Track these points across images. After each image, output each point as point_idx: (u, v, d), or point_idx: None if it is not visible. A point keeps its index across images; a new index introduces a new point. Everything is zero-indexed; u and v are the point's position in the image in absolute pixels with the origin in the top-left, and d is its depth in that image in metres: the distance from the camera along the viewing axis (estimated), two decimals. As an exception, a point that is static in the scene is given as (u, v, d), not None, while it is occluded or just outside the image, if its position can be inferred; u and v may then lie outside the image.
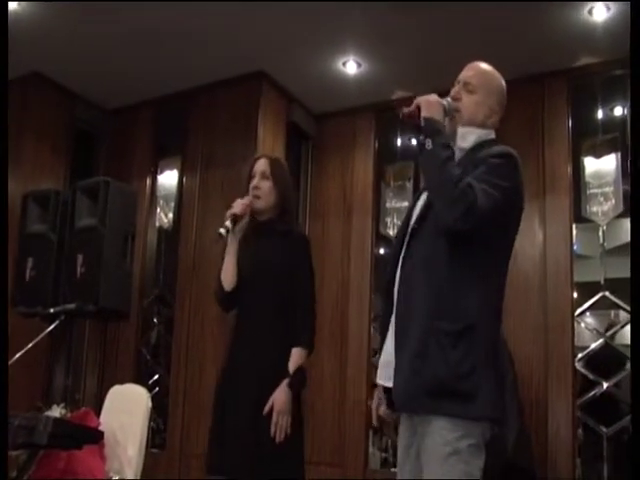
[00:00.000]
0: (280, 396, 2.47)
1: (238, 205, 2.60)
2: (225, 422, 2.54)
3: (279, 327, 2.59)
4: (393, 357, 1.99)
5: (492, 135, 2.15)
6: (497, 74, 2.21)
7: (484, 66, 2.21)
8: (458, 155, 2.07)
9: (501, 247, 2.05)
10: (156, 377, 5.22)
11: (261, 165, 2.73)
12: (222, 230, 2.53)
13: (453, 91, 2.15)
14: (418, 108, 2.02)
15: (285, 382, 2.48)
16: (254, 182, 2.69)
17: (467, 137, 2.10)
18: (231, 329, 2.73)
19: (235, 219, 2.57)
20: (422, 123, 1.99)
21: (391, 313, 2.07)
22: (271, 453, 2.42)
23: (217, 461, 2.53)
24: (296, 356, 2.54)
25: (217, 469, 2.54)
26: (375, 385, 2.21)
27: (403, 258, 2.06)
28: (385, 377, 2.05)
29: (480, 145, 2.09)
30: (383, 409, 2.18)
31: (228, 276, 2.61)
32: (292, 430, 2.47)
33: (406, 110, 2.03)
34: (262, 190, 2.67)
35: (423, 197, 2.14)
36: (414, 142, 2.05)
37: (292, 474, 2.49)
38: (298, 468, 2.53)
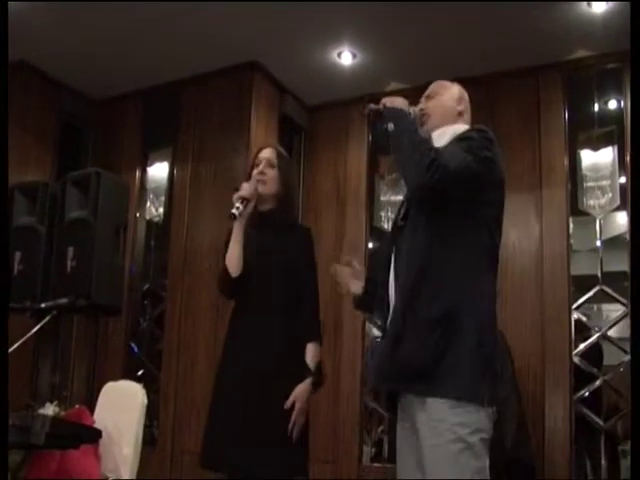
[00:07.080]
0: (302, 394, 2.43)
1: (246, 188, 2.53)
2: (226, 418, 2.46)
3: (283, 322, 2.53)
4: None
5: (467, 128, 2.16)
6: (454, 83, 2.27)
7: (439, 81, 2.27)
8: None
9: (484, 223, 2.00)
10: (146, 372, 5.12)
11: (267, 153, 2.70)
12: (234, 211, 2.48)
13: (419, 106, 2.19)
14: (384, 107, 2.07)
15: (309, 380, 2.43)
16: (259, 168, 2.65)
17: (442, 137, 2.10)
18: (229, 322, 2.66)
19: (244, 201, 2.50)
20: (385, 113, 2.05)
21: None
22: (279, 450, 2.37)
23: (216, 456, 2.46)
24: (313, 352, 2.52)
25: (215, 465, 2.48)
26: None
27: (394, 254, 2.09)
28: None
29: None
30: None
31: (234, 262, 2.52)
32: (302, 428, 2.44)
33: (373, 106, 2.08)
34: (267, 176, 2.63)
35: None
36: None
37: (298, 472, 2.44)
38: (304, 466, 2.49)
